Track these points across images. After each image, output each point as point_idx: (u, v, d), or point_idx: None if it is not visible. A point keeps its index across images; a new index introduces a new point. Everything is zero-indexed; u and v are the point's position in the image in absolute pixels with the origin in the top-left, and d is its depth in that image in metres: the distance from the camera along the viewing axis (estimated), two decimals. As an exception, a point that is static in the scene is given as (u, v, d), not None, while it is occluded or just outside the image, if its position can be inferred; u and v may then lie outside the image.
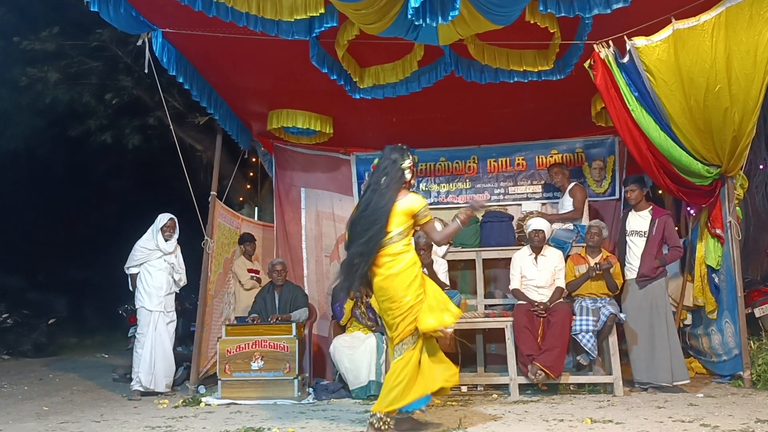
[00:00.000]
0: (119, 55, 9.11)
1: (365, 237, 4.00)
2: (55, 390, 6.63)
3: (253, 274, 7.06)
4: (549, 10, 4.53)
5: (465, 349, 6.07)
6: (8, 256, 12.67)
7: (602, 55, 5.04)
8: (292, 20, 4.70)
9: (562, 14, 4.57)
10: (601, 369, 5.49)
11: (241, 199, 9.99)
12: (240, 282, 7.05)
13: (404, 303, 3.97)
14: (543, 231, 5.79)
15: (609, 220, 7.05)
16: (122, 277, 6.34)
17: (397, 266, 3.99)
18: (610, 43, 5.02)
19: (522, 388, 5.44)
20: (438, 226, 6.57)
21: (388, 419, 3.95)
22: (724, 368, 5.73)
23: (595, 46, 5.05)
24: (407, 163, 4.14)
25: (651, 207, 5.65)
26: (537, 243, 5.75)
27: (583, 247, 5.89)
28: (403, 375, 3.93)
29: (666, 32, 4.84)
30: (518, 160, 7.51)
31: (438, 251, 6.25)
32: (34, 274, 14.44)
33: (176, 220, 6.32)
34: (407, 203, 4.08)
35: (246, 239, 7.22)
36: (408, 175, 4.14)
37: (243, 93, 6.39)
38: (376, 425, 3.93)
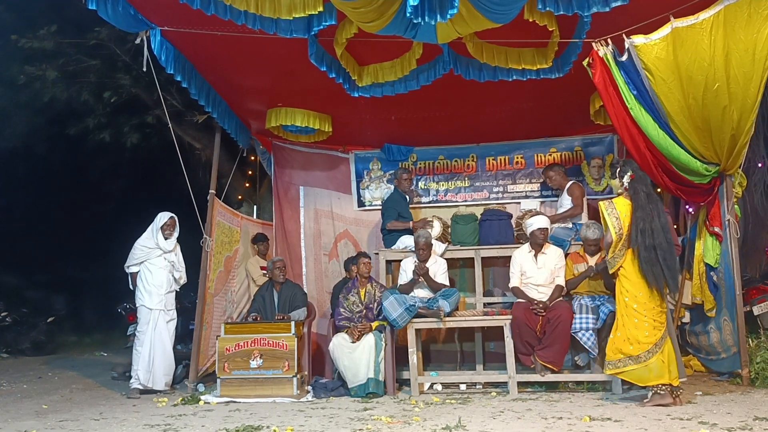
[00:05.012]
0: (117, 54, 9.09)
1: None
2: (54, 388, 6.63)
3: (265, 272, 7.11)
4: (548, 9, 4.53)
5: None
6: (7, 255, 12.65)
7: (601, 54, 5.03)
8: (291, 18, 4.70)
9: (561, 12, 4.57)
10: (600, 367, 5.48)
11: (240, 197, 9.99)
12: (253, 279, 7.17)
13: None
14: (548, 229, 5.82)
15: (608, 219, 7.03)
16: (121, 276, 6.35)
17: None
18: (609, 41, 5.01)
19: (521, 385, 5.46)
20: (437, 225, 6.62)
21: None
22: (722, 366, 5.74)
23: (593, 44, 5.04)
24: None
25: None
26: (542, 241, 5.76)
27: (581, 245, 5.88)
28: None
29: (664, 30, 4.83)
30: (517, 158, 7.51)
31: (437, 250, 6.25)
32: (32, 273, 14.39)
33: (176, 218, 6.33)
34: None
35: (259, 239, 7.40)
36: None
37: (242, 91, 6.38)
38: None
